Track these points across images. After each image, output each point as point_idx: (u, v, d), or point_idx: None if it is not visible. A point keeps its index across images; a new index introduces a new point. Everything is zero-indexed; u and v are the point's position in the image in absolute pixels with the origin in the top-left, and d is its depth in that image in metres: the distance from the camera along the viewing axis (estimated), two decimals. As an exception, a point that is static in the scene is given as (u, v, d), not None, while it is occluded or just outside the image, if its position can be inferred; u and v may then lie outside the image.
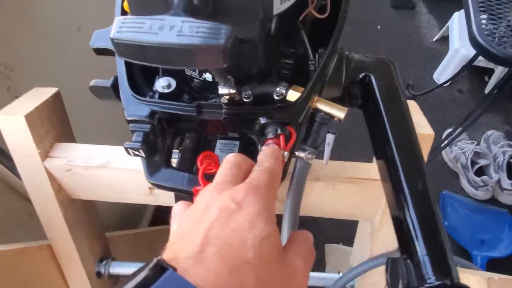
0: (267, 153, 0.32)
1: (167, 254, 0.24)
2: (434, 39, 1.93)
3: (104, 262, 0.73)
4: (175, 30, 0.23)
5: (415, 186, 0.37)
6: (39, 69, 0.77)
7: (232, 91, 0.39)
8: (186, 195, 0.41)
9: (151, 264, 0.22)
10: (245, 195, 0.26)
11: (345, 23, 0.46)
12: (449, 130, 1.53)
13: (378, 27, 2.00)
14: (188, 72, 0.43)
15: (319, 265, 1.35)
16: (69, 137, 0.61)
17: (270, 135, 0.37)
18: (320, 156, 0.43)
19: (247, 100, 0.40)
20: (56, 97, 0.57)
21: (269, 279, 0.24)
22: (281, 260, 0.25)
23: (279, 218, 0.40)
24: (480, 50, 0.72)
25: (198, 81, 0.43)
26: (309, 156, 0.38)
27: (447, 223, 1.38)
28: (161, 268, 0.21)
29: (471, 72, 1.79)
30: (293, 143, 0.36)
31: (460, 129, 1.42)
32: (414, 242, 0.34)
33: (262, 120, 0.37)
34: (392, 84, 0.46)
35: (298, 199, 0.39)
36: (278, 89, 0.40)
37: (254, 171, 0.29)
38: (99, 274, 0.73)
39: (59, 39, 0.83)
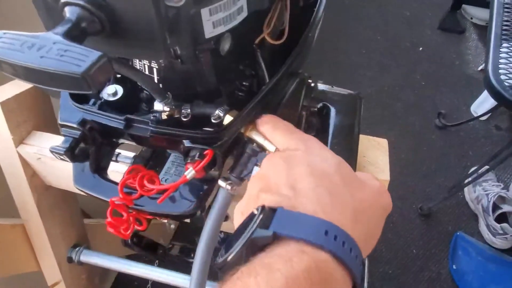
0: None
1: (266, 200, 0.26)
2: (479, 68, 1.80)
3: (77, 249, 0.76)
4: (43, 51, 0.23)
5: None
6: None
7: (166, 108, 0.38)
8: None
9: (258, 211, 0.23)
10: (303, 145, 0.30)
11: (306, 50, 0.43)
12: (475, 168, 1.42)
13: (420, 48, 1.90)
14: (138, 83, 0.43)
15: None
16: (50, 127, 0.64)
17: (189, 160, 0.36)
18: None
19: (184, 119, 0.39)
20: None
21: (363, 196, 0.26)
22: (362, 181, 0.28)
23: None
24: (491, 91, 0.65)
25: (147, 93, 0.43)
26: (229, 187, 0.36)
27: (455, 267, 1.28)
28: (270, 210, 0.23)
29: (514, 109, 1.66)
30: (204, 164, 0.34)
31: (486, 167, 1.31)
32: None
33: (186, 144, 0.36)
34: (349, 121, 0.43)
35: (215, 226, 0.37)
36: (216, 112, 0.39)
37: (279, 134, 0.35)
38: (70, 260, 0.75)
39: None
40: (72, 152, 0.37)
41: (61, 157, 0.38)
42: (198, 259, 0.37)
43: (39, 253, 0.72)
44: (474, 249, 1.31)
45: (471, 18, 2.02)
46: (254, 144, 0.38)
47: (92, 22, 0.26)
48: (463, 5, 2.00)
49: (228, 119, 0.38)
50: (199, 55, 0.37)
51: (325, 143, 0.41)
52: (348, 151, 0.40)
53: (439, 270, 1.28)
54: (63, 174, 0.60)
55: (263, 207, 0.23)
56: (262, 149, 0.38)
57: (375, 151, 0.47)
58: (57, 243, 0.71)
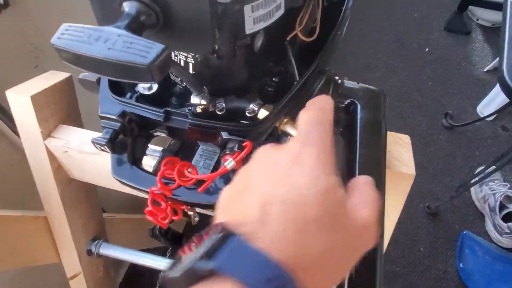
0: (312, 102, 0.30)
1: (227, 216, 0.23)
2: (485, 69, 1.82)
3: (96, 242, 0.77)
4: (109, 43, 0.24)
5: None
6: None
7: (203, 102, 0.39)
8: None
9: (215, 230, 0.21)
10: (300, 148, 0.24)
11: (335, 47, 0.45)
12: (481, 168, 1.44)
13: (427, 49, 1.91)
14: (172, 77, 0.44)
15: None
16: (75, 121, 0.65)
17: (227, 151, 0.37)
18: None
19: (219, 113, 0.41)
20: (67, 81, 0.61)
21: (338, 236, 0.22)
22: (348, 213, 0.23)
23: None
24: (506, 91, 0.67)
25: (181, 87, 0.45)
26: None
27: (462, 265, 1.29)
28: (227, 233, 0.20)
29: (520, 110, 1.67)
30: (244, 156, 0.36)
31: (493, 167, 1.33)
32: None
33: (224, 136, 0.38)
34: (376, 116, 0.45)
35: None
36: (251, 106, 0.40)
37: (302, 116, 0.28)
38: (89, 252, 0.77)
39: (89, 24, 0.88)
40: (113, 143, 0.39)
41: (102, 148, 0.39)
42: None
43: (60, 245, 0.73)
44: (480, 248, 1.33)
45: (477, 19, 2.04)
46: (288, 137, 0.39)
47: (149, 15, 0.27)
48: (470, 7, 2.02)
49: (262, 113, 0.40)
50: (237, 50, 0.38)
51: (352, 141, 0.42)
52: (377, 147, 0.42)
53: (446, 269, 1.30)
54: (88, 167, 0.62)
55: (221, 228, 0.21)
56: (296, 141, 0.39)
57: (398, 146, 0.49)
58: (78, 236, 0.73)
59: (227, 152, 0.37)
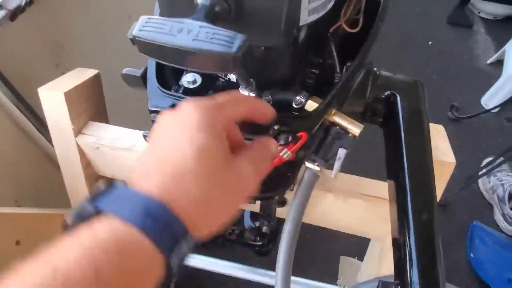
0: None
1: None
2: (488, 62, 1.84)
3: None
4: (192, 34, 0.25)
5: (421, 215, 0.36)
6: (87, 50, 0.82)
7: (252, 94, 0.40)
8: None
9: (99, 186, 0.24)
10: (185, 108, 0.27)
11: (376, 39, 0.45)
12: (489, 159, 1.46)
13: (430, 42, 1.93)
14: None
15: (331, 274, 1.34)
16: (103, 117, 0.65)
17: (281, 142, 0.37)
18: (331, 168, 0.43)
19: (266, 105, 0.41)
20: (96, 78, 0.61)
21: (213, 185, 0.25)
22: (227, 166, 0.26)
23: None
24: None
25: (223, 80, 0.45)
26: (317, 168, 0.38)
27: (472, 255, 1.31)
28: (113, 183, 0.24)
29: (524, 101, 1.69)
30: (299, 146, 0.36)
31: (501, 159, 1.35)
32: (409, 269, 0.33)
33: (276, 127, 0.38)
34: (417, 106, 0.45)
35: (301, 207, 0.39)
36: (298, 97, 0.41)
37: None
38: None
39: (110, 24, 0.88)
40: (164, 137, 0.39)
41: (153, 141, 0.39)
42: (285, 242, 0.39)
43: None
44: (490, 237, 1.34)
45: (479, 12, 2.06)
46: (337, 127, 0.40)
47: (223, 6, 0.28)
48: (471, 0, 2.03)
49: (309, 104, 0.40)
50: (286, 42, 0.38)
51: (396, 132, 0.43)
52: (421, 136, 0.42)
53: (457, 259, 1.31)
54: (118, 163, 0.62)
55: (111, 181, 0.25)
56: (346, 131, 0.40)
57: (434, 136, 0.49)
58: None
59: (282, 143, 0.37)
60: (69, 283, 0.19)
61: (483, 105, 1.71)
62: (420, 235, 0.35)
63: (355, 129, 0.39)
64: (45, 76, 0.61)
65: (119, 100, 0.75)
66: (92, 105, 0.62)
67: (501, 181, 1.38)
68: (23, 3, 0.63)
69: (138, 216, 0.22)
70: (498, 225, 1.38)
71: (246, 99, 0.33)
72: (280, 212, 0.56)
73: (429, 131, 0.43)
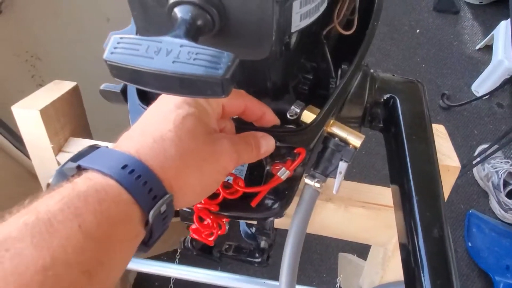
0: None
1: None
2: (477, 48, 1.82)
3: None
4: (172, 55, 0.21)
5: (430, 221, 0.34)
6: (64, 59, 0.78)
7: (242, 106, 0.37)
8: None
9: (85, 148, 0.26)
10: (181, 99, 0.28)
11: (372, 40, 0.42)
12: (483, 146, 1.45)
13: (417, 30, 1.91)
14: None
15: (330, 272, 1.32)
16: (85, 132, 0.61)
17: (277, 160, 0.34)
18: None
19: (258, 117, 0.38)
20: (74, 91, 0.57)
21: (191, 149, 0.26)
22: (207, 136, 0.27)
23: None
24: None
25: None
26: (318, 185, 0.35)
27: (470, 244, 1.31)
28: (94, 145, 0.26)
29: (514, 86, 1.69)
30: (298, 164, 0.33)
31: (495, 146, 1.34)
32: (420, 278, 0.31)
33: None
34: (418, 109, 0.43)
35: (303, 227, 0.36)
36: (292, 107, 0.38)
37: None
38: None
39: (87, 30, 0.83)
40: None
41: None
42: (286, 261, 0.36)
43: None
44: (487, 225, 1.34)
45: (465, -2, 2.04)
46: (336, 138, 0.37)
47: (206, 20, 0.24)
48: (456, -15, 2.02)
49: (306, 115, 0.37)
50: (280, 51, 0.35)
51: (398, 137, 0.40)
52: (425, 140, 0.40)
53: (455, 248, 1.31)
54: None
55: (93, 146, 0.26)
56: (346, 143, 0.37)
57: (435, 137, 0.47)
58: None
59: (278, 161, 0.34)
60: (53, 229, 0.20)
61: (474, 92, 1.70)
62: (431, 243, 0.32)
63: (355, 140, 0.36)
64: (21, 88, 0.57)
65: (101, 112, 0.71)
66: (72, 120, 0.58)
67: (496, 168, 1.38)
68: (-10, 14, 0.59)
69: (115, 170, 0.23)
70: (494, 213, 1.38)
71: (246, 95, 0.33)
72: (278, 222, 0.53)
73: (432, 134, 0.40)
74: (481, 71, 1.68)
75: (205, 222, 0.37)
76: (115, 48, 0.22)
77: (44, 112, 0.52)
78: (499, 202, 1.36)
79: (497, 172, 1.37)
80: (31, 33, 0.68)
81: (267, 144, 0.32)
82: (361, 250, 0.85)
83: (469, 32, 1.90)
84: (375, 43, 1.83)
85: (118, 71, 0.22)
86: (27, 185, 0.73)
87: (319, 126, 0.35)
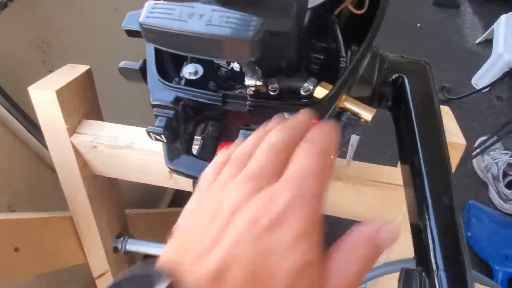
0: (318, 132, 0.24)
1: (171, 254, 0.20)
2: (477, 42, 1.84)
3: (122, 238, 0.75)
4: (205, 19, 0.23)
5: (440, 198, 0.35)
6: (74, 46, 0.79)
7: (259, 83, 0.38)
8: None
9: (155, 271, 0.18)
10: (289, 205, 0.19)
11: (382, 20, 0.44)
12: (482, 138, 1.47)
13: (418, 25, 1.92)
14: (216, 61, 0.43)
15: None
16: (97, 115, 0.63)
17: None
18: (343, 155, 0.41)
19: (273, 93, 0.39)
20: (87, 74, 0.59)
21: None
22: (322, 285, 0.19)
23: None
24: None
25: (226, 70, 0.43)
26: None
27: (470, 234, 1.33)
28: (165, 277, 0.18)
29: (513, 79, 1.71)
30: None
31: (495, 138, 1.36)
32: (432, 255, 0.32)
33: (287, 115, 0.37)
34: (426, 88, 0.44)
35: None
36: (306, 84, 0.39)
37: (300, 158, 0.22)
38: (115, 250, 0.75)
39: (96, 18, 0.84)
40: (169, 131, 0.37)
41: (157, 137, 0.37)
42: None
43: (86, 244, 0.71)
44: (486, 216, 1.36)
45: (465, -7, 2.06)
46: (349, 113, 0.39)
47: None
48: (457, -20, 2.03)
49: (318, 91, 0.39)
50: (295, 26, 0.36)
51: (406, 115, 0.42)
52: (434, 118, 0.41)
53: (455, 238, 1.33)
54: (117, 161, 0.60)
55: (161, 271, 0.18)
56: (358, 117, 0.38)
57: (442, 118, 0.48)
58: (104, 233, 0.71)
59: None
60: None
61: (474, 85, 1.71)
62: (442, 219, 0.34)
63: (367, 114, 0.38)
64: (32, 74, 0.58)
65: (110, 96, 0.72)
66: (85, 103, 0.59)
67: (495, 159, 1.40)
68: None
69: None
70: (494, 203, 1.40)
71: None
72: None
73: (440, 112, 0.42)
74: (481, 65, 1.69)
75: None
76: (150, 12, 0.23)
77: (60, 93, 0.53)
78: (498, 193, 1.38)
79: (496, 163, 1.39)
80: (43, 19, 0.69)
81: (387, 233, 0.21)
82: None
83: (470, 26, 1.91)
84: (376, 37, 1.84)
85: (152, 34, 0.23)
86: (40, 171, 0.74)
87: (332, 100, 0.37)
